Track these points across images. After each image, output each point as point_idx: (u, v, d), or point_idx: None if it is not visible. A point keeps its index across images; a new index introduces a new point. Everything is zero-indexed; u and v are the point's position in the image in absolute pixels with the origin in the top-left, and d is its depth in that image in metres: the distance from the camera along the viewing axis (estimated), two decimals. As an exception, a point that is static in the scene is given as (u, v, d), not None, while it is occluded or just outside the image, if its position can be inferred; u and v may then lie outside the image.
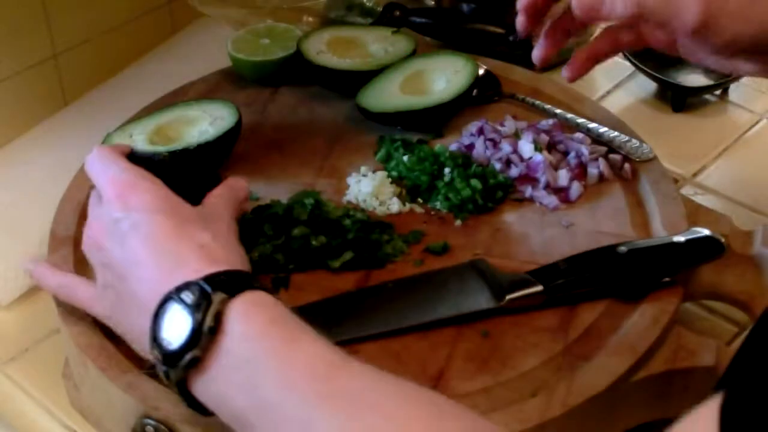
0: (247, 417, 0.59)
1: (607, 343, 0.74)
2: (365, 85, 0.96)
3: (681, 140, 1.05)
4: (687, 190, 0.99)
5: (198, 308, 0.61)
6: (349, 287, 0.80)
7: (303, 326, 0.62)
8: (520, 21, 0.83)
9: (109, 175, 0.70)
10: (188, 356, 0.61)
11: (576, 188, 0.87)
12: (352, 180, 0.89)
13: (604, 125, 0.93)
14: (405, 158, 0.90)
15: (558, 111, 0.95)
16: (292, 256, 0.81)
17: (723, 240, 0.79)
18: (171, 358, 0.62)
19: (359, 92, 0.96)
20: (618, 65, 1.13)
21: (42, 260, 0.77)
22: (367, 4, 1.15)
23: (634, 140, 0.92)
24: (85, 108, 1.06)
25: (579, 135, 0.92)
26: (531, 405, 0.70)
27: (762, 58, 0.71)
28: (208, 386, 0.61)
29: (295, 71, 1.00)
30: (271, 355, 0.60)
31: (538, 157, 0.88)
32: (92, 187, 0.73)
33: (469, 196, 0.86)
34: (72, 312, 0.77)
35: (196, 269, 0.63)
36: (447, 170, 0.88)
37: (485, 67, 1.00)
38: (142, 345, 0.66)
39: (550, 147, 0.91)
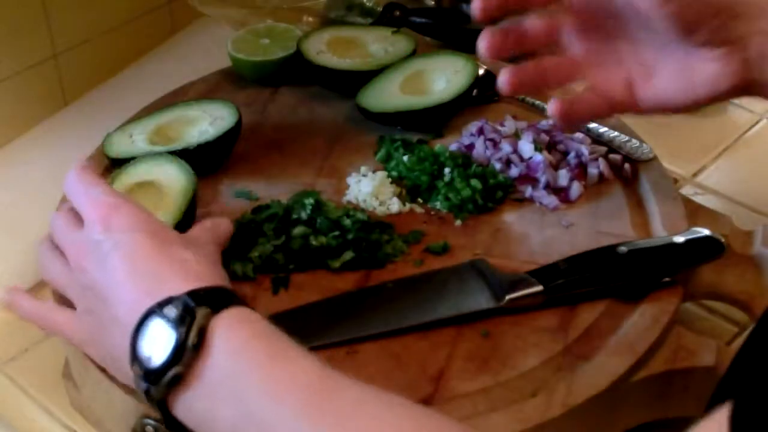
0: None
1: (607, 343, 0.74)
2: (365, 85, 0.96)
3: (681, 140, 1.05)
4: (687, 190, 0.99)
5: (182, 323, 0.60)
6: (349, 287, 0.80)
7: (288, 341, 0.61)
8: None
9: (90, 196, 0.69)
10: (171, 372, 0.60)
11: (576, 188, 0.87)
12: (352, 180, 0.89)
13: (604, 125, 0.93)
14: (405, 158, 0.90)
15: (558, 111, 0.95)
16: (292, 256, 0.81)
17: (723, 240, 0.79)
18: (153, 374, 0.60)
19: (359, 92, 0.96)
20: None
21: (16, 288, 0.75)
22: (367, 4, 1.15)
23: (634, 140, 0.92)
24: (85, 108, 1.06)
25: (579, 135, 0.92)
26: (531, 405, 0.70)
27: (716, 39, 0.70)
28: (191, 403, 0.60)
29: (295, 71, 1.00)
30: (256, 368, 0.59)
31: (538, 157, 0.88)
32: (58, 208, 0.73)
33: (469, 196, 0.86)
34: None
35: (179, 286, 0.62)
36: (447, 170, 0.88)
37: (485, 67, 1.00)
38: (122, 368, 0.64)
39: (550, 147, 0.91)
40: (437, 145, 0.92)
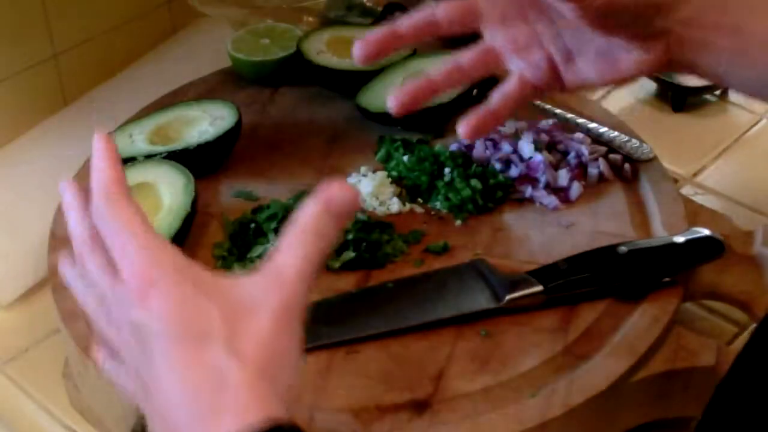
0: None
1: (607, 343, 0.74)
2: (365, 85, 0.96)
3: (681, 140, 1.05)
4: (687, 190, 0.99)
5: None
6: (349, 287, 0.80)
7: None
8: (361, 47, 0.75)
9: (126, 249, 0.58)
10: None
11: (576, 188, 0.87)
12: (352, 180, 0.89)
13: (604, 125, 0.93)
14: (405, 158, 0.90)
15: (558, 111, 0.95)
16: (292, 256, 0.81)
17: (723, 240, 0.79)
18: None
19: (359, 92, 0.96)
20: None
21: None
22: (367, 4, 1.15)
23: (634, 140, 0.92)
24: (85, 108, 1.06)
25: (579, 135, 0.92)
26: (531, 405, 0.70)
27: (639, 35, 0.71)
28: None
29: (295, 71, 1.00)
30: None
31: (538, 157, 0.88)
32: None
33: (469, 196, 0.86)
34: (72, 312, 0.78)
35: (232, 420, 0.53)
36: (447, 170, 0.88)
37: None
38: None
39: (550, 147, 0.91)
40: (437, 145, 0.92)
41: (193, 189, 0.83)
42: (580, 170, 0.89)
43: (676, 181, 0.98)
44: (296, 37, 1.02)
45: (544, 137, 0.91)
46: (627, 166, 0.90)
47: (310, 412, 0.70)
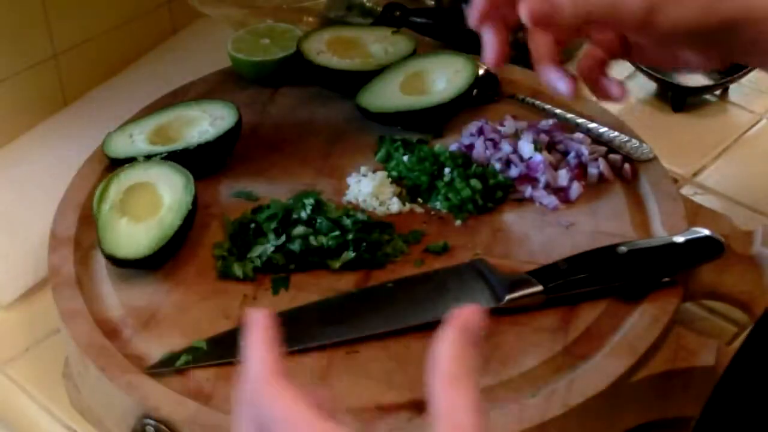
0: None
1: (607, 343, 0.74)
2: (365, 85, 0.96)
3: (681, 140, 1.05)
4: (687, 190, 0.99)
5: None
6: (349, 287, 0.80)
7: None
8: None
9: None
10: None
11: (576, 188, 0.87)
12: (352, 180, 0.89)
13: (604, 125, 0.93)
14: (405, 158, 0.90)
15: (558, 111, 0.95)
16: (292, 256, 0.81)
17: (723, 240, 0.79)
18: None
19: (359, 92, 0.96)
20: (618, 65, 1.12)
21: None
22: (367, 4, 1.15)
23: (634, 140, 0.92)
24: (85, 108, 1.06)
25: (579, 135, 0.92)
26: (531, 405, 0.70)
27: (703, 47, 0.73)
28: None
29: (295, 71, 1.00)
30: None
31: (538, 157, 0.88)
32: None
33: (469, 196, 0.86)
34: (72, 312, 0.78)
35: None
36: (447, 170, 0.88)
37: (485, 67, 1.00)
38: None
39: (550, 147, 0.91)
40: (437, 145, 0.92)
41: (193, 188, 0.83)
42: (580, 170, 0.89)
43: (676, 181, 0.98)
44: (296, 37, 1.02)
45: (544, 137, 0.91)
46: (627, 166, 0.90)
47: (310, 412, 0.70)
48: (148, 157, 0.88)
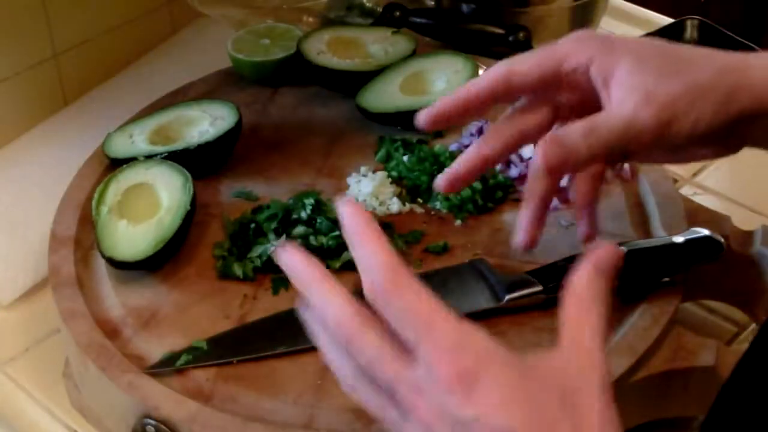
0: None
1: (607, 343, 0.74)
2: (365, 85, 0.96)
3: (681, 140, 1.05)
4: (687, 190, 0.99)
5: None
6: (349, 287, 0.80)
7: None
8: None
9: (432, 331, 0.54)
10: None
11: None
12: (352, 180, 0.89)
13: (604, 125, 0.93)
14: (405, 158, 0.90)
15: (558, 111, 0.95)
16: (292, 256, 0.81)
17: (723, 240, 0.79)
18: None
19: (359, 92, 0.96)
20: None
21: None
22: (367, 4, 1.15)
23: (634, 140, 0.91)
24: (85, 108, 1.06)
25: (579, 135, 0.92)
26: (531, 405, 0.70)
27: (716, 140, 0.71)
28: None
29: (295, 71, 1.00)
30: None
31: (538, 157, 0.88)
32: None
33: (469, 196, 0.86)
34: (72, 312, 0.78)
35: None
36: (447, 170, 0.88)
37: (485, 67, 1.00)
38: None
39: (550, 147, 0.91)
40: (437, 145, 0.92)
41: (192, 188, 0.83)
42: (580, 170, 0.89)
43: (675, 181, 0.98)
44: (296, 37, 1.02)
45: (544, 137, 0.91)
46: (627, 166, 0.90)
47: (310, 411, 0.70)
48: (149, 157, 0.88)
